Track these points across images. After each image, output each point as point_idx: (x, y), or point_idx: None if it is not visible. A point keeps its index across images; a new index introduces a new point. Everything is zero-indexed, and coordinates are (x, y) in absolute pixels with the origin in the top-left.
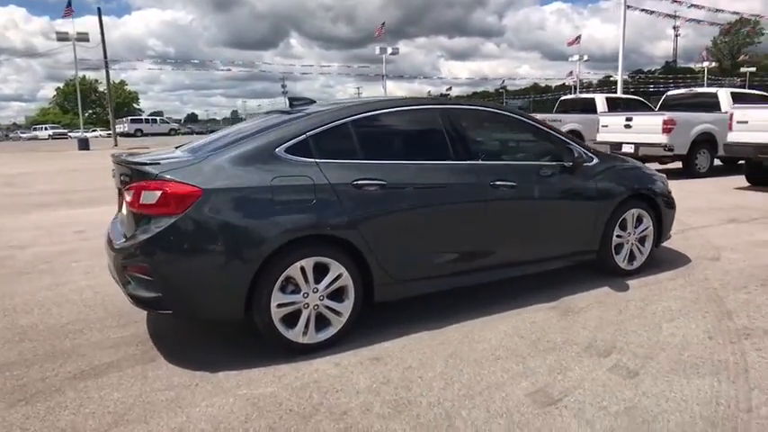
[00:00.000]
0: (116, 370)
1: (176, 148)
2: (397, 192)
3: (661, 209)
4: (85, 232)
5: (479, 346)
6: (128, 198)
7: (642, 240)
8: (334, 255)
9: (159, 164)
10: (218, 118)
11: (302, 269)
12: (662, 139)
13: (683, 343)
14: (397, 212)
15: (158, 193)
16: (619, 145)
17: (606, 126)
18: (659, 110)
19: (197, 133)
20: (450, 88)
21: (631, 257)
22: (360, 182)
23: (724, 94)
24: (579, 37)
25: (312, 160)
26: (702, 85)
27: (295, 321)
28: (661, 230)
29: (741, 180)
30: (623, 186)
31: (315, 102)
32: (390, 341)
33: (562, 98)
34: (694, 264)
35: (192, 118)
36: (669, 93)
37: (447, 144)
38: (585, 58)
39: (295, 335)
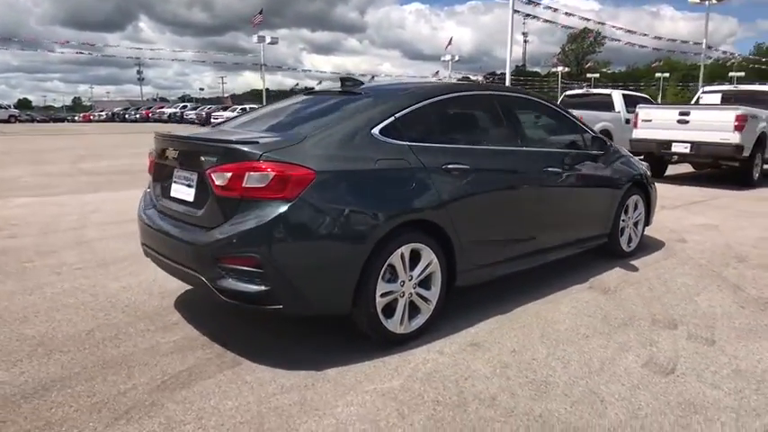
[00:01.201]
0: (204, 377)
1: (213, 127)
2: (479, 176)
3: (650, 195)
4: (5, 229)
5: (560, 327)
6: (218, 181)
7: (636, 224)
8: (427, 241)
9: (257, 143)
10: (56, 105)
11: (401, 256)
12: None
13: (726, 313)
14: (477, 197)
15: (270, 175)
16: None
17: None
18: None
19: (39, 121)
20: (320, 82)
21: (629, 240)
22: (449, 166)
23: (617, 96)
24: (451, 39)
25: (404, 143)
26: (556, 89)
27: (391, 311)
28: (649, 214)
29: None
30: (629, 173)
31: (363, 83)
32: (474, 327)
33: None
34: (670, 246)
35: (24, 104)
36: (567, 92)
37: (511, 130)
38: (457, 58)
39: (394, 325)
